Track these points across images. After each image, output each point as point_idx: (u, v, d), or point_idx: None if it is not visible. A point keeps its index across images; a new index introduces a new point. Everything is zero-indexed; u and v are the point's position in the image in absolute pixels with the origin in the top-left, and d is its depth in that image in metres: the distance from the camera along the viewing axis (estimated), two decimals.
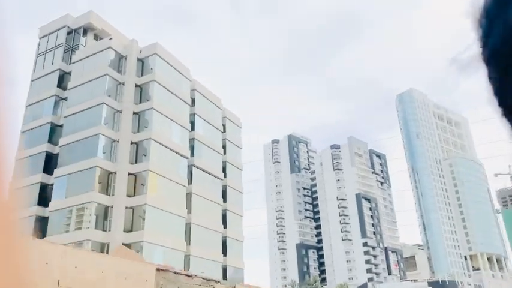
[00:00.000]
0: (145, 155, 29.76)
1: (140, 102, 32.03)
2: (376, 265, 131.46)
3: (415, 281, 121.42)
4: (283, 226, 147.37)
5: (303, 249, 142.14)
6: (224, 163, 41.03)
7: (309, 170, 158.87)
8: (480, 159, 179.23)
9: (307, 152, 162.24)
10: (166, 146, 31.59)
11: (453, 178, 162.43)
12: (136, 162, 30.60)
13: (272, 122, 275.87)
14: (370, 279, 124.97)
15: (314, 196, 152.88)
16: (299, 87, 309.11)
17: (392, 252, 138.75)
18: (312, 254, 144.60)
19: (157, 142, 30.49)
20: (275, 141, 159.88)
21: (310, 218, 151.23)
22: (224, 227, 38.29)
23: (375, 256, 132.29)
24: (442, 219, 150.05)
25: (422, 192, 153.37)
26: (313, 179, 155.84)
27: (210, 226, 35.19)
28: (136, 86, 32.03)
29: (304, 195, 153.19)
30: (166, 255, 28.58)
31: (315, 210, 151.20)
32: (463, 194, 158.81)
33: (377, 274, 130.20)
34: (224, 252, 37.34)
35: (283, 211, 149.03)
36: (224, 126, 42.08)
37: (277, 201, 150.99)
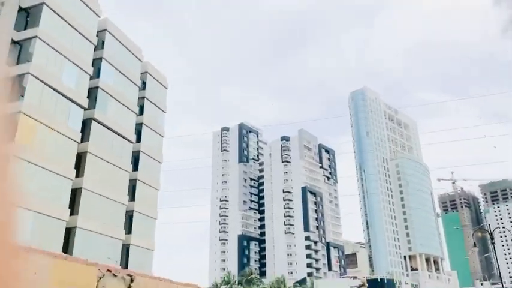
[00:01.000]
0: (22, 96, 23.09)
1: (25, 29, 25.20)
2: (317, 260, 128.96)
3: (355, 278, 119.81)
4: (227, 216, 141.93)
5: (244, 240, 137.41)
6: (140, 126, 34.72)
7: (257, 160, 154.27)
8: (426, 163, 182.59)
9: (257, 142, 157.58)
10: (52, 87, 24.95)
11: (399, 179, 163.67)
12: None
13: (226, 114, 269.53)
14: (310, 274, 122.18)
15: (260, 188, 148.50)
16: (255, 86, 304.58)
17: (334, 248, 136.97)
18: (254, 246, 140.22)
19: (38, 79, 23.83)
20: (225, 129, 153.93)
21: (255, 209, 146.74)
22: (131, 199, 32.07)
23: (316, 251, 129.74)
24: (385, 219, 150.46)
25: (367, 190, 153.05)
26: (261, 171, 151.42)
27: (109, 195, 28.90)
28: (21, 9, 25.22)
29: (251, 186, 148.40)
30: (37, 223, 22.11)
31: (261, 202, 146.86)
32: (407, 195, 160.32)
33: (317, 269, 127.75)
34: (129, 230, 31.17)
35: (227, 201, 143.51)
36: (144, 83, 35.70)
37: (222, 190, 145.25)
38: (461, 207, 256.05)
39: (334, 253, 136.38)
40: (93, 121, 28.67)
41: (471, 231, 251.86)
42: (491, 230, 29.06)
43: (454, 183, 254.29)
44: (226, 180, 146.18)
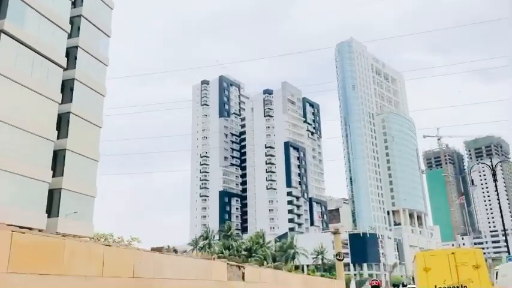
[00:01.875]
0: None
1: None
2: (299, 215, 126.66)
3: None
4: (207, 173, 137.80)
5: (226, 196, 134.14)
6: (74, 50, 28.76)
7: (239, 115, 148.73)
8: (412, 118, 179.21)
9: (239, 96, 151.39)
10: None
11: (384, 134, 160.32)
12: None
13: (209, 71, 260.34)
14: (292, 229, 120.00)
15: (242, 144, 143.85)
16: (242, 41, 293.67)
17: (317, 203, 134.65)
18: (235, 203, 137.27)
19: None
20: (205, 82, 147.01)
21: (237, 165, 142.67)
22: (63, 136, 26.63)
23: (298, 206, 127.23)
24: (370, 174, 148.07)
25: (352, 145, 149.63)
26: (243, 126, 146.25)
27: (28, 127, 23.49)
28: None
29: (232, 142, 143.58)
30: None
31: (243, 158, 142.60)
32: (391, 150, 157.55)
33: (299, 224, 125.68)
34: (59, 171, 26.00)
35: (208, 157, 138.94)
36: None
37: (202, 146, 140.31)
38: (446, 163, 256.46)
39: (316, 208, 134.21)
40: (2, 34, 22.73)
41: (454, 187, 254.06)
42: (494, 166, 24.45)
43: (439, 139, 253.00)
44: (206, 135, 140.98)
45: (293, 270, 75.86)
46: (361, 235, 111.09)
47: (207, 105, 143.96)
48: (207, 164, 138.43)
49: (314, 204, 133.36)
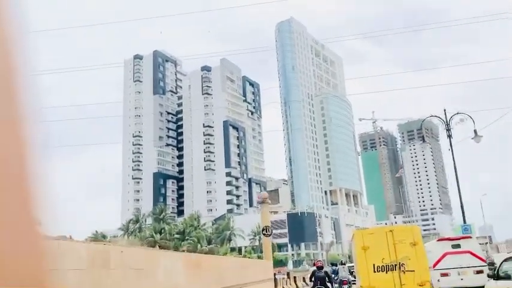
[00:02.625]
0: None
1: None
2: (238, 196, 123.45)
3: (275, 212, 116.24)
4: (140, 153, 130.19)
5: (161, 178, 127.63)
6: None
7: (176, 93, 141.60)
8: (349, 100, 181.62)
9: (176, 73, 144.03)
10: None
11: (322, 115, 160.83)
12: None
13: (144, 47, 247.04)
14: (230, 211, 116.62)
15: (179, 123, 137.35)
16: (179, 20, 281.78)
17: (257, 184, 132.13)
18: (171, 185, 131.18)
19: None
20: (138, 57, 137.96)
21: (173, 146, 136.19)
22: None
23: (237, 187, 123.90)
24: (308, 154, 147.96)
25: (291, 126, 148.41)
26: (180, 105, 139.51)
27: None
28: None
29: (168, 121, 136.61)
30: None
31: (179, 138, 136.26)
32: (329, 131, 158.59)
33: (238, 206, 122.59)
34: None
35: (141, 137, 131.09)
36: None
37: (135, 125, 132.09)
38: (380, 145, 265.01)
39: (256, 189, 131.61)
40: None
41: (388, 169, 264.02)
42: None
43: (374, 122, 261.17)
44: (139, 113, 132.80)
45: (229, 252, 72.34)
46: (299, 214, 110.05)
47: (140, 81, 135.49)
48: (140, 145, 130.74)
49: (254, 185, 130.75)
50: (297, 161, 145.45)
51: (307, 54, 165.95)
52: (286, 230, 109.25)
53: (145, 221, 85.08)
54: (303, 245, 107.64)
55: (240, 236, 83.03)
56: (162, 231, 76.40)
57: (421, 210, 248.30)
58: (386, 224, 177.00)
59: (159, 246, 71.03)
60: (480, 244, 20.38)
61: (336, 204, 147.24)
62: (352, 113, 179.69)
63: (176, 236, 74.64)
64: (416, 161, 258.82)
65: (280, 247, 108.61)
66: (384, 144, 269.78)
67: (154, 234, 72.46)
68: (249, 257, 63.03)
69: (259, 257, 76.11)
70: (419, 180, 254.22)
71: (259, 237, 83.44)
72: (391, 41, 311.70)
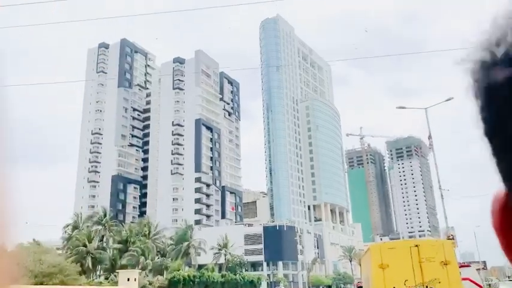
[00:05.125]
0: None
1: None
2: (208, 206, 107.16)
3: (250, 225, 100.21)
4: (99, 153, 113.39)
5: (120, 182, 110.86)
6: None
7: (145, 88, 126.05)
8: (337, 109, 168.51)
9: (146, 67, 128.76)
10: None
11: (308, 122, 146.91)
12: None
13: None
14: (198, 222, 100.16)
15: (147, 123, 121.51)
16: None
17: (231, 193, 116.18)
18: (133, 190, 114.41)
19: None
20: (103, 46, 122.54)
21: (138, 147, 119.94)
22: None
23: (208, 195, 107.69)
24: (291, 164, 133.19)
25: (273, 132, 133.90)
26: (148, 102, 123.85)
27: None
28: None
29: (134, 118, 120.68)
30: None
31: (146, 140, 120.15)
32: (315, 140, 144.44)
33: (208, 216, 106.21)
34: None
35: (101, 134, 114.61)
36: None
37: (95, 121, 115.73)
38: (367, 163, 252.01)
39: (230, 199, 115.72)
40: None
41: (375, 187, 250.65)
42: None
43: (362, 138, 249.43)
44: (101, 108, 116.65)
45: (182, 268, 56.00)
46: (278, 228, 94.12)
47: (105, 72, 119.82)
48: (100, 143, 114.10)
49: (227, 194, 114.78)
50: (277, 171, 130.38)
51: (294, 56, 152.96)
52: (262, 246, 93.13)
53: (88, 227, 68.17)
54: (280, 263, 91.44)
55: (202, 250, 66.74)
56: (102, 238, 60.25)
57: (408, 233, 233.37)
58: None
59: (91, 258, 54.58)
60: (477, 270, 19.82)
61: (320, 220, 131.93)
62: (340, 122, 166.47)
63: (117, 246, 58.13)
64: (405, 179, 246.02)
65: (254, 266, 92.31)
66: (371, 162, 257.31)
67: (87, 243, 55.79)
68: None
69: (223, 276, 59.88)
70: (407, 200, 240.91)
71: (225, 252, 67.31)
72: (373, 66, 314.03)
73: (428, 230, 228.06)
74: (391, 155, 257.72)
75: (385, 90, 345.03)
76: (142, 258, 52.88)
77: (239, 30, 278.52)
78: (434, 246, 12.24)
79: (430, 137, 24.71)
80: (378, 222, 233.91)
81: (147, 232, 62.61)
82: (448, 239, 23.90)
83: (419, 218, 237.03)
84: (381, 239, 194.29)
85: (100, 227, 62.19)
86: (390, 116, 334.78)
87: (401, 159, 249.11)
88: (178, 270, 54.36)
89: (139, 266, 53.50)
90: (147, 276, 54.92)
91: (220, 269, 68.30)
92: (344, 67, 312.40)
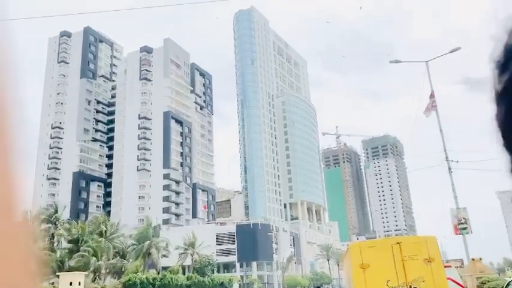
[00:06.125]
0: None
1: None
2: (177, 204, 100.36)
3: (223, 224, 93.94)
4: (60, 149, 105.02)
5: (82, 180, 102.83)
6: None
7: (110, 80, 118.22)
8: (313, 104, 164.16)
9: (112, 57, 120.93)
10: None
11: (284, 118, 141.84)
12: None
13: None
14: (166, 221, 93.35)
15: (113, 118, 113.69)
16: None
17: (203, 191, 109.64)
18: (97, 188, 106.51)
19: None
20: (65, 34, 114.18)
21: (103, 142, 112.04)
22: None
23: (178, 193, 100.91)
24: (267, 161, 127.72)
25: (248, 127, 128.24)
26: (114, 96, 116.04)
27: None
28: None
29: (98, 111, 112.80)
30: None
31: (112, 135, 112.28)
32: (291, 136, 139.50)
33: (177, 215, 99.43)
34: None
35: (62, 128, 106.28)
36: None
37: (55, 114, 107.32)
38: (343, 162, 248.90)
39: (202, 197, 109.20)
40: None
41: (351, 187, 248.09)
42: None
43: (338, 137, 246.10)
44: (62, 101, 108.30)
45: (140, 270, 49.37)
46: (252, 226, 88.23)
47: (66, 63, 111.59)
48: (61, 138, 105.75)
49: (199, 191, 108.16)
50: (252, 168, 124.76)
51: (269, 49, 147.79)
52: (235, 246, 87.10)
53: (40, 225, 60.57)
54: (254, 264, 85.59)
55: (166, 250, 60.10)
56: (52, 237, 53.27)
57: (385, 232, 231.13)
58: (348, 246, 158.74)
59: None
60: (456, 267, 19.17)
61: (297, 219, 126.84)
62: (317, 118, 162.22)
63: (67, 245, 51.14)
64: (381, 178, 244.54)
65: (226, 267, 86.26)
66: (347, 161, 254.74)
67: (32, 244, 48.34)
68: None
69: (188, 278, 53.59)
70: (384, 200, 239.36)
71: (192, 251, 60.86)
72: (348, 70, 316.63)
73: (404, 229, 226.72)
74: (367, 154, 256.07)
75: (359, 91, 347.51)
76: (93, 259, 46.00)
77: (214, 27, 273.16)
78: (416, 243, 11.79)
79: (432, 96, 19.38)
80: (355, 221, 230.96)
81: (104, 231, 55.72)
82: (460, 223, 18.79)
83: (395, 217, 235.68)
84: (357, 239, 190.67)
85: (50, 226, 55.13)
86: (366, 116, 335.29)
87: (377, 158, 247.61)
88: (136, 272, 47.77)
89: (91, 268, 46.77)
90: (100, 279, 48.16)
91: (186, 271, 62.02)
92: (318, 69, 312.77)
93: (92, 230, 55.61)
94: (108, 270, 50.48)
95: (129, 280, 43.37)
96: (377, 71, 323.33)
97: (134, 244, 60.14)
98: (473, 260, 18.40)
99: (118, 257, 56.71)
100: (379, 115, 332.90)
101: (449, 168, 19.55)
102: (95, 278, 47.02)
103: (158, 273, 52.11)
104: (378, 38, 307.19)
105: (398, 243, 11.34)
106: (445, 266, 14.89)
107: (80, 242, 51.04)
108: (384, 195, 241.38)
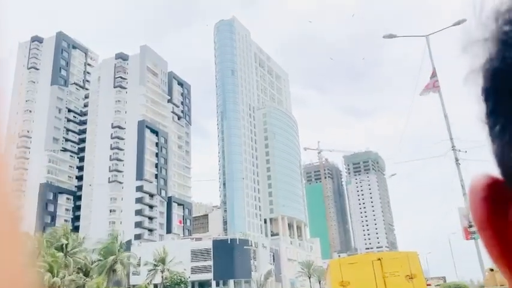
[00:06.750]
0: None
1: None
2: (151, 218, 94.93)
3: (199, 239, 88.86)
4: (26, 159, 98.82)
5: (50, 192, 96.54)
6: None
7: (83, 88, 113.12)
8: (295, 118, 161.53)
9: (86, 65, 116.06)
10: None
11: (265, 130, 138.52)
12: None
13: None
14: (138, 236, 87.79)
15: (85, 128, 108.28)
16: None
17: (179, 205, 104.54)
18: (66, 202, 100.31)
19: None
20: (36, 40, 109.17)
21: (73, 152, 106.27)
22: None
23: (151, 206, 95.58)
24: (247, 173, 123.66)
25: (228, 139, 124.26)
26: (87, 105, 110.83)
27: None
28: None
29: (69, 120, 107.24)
30: None
31: (84, 146, 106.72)
32: (272, 149, 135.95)
33: (150, 230, 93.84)
34: None
35: (30, 138, 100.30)
36: None
37: (23, 122, 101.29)
38: (325, 178, 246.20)
39: (177, 211, 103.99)
40: None
41: (333, 203, 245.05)
42: None
43: (319, 153, 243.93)
44: (30, 108, 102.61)
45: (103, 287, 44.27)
46: (229, 242, 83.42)
47: (37, 69, 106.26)
48: (28, 147, 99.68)
49: (175, 205, 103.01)
50: (231, 181, 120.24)
51: (251, 60, 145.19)
52: (211, 263, 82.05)
53: None
54: (232, 282, 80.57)
55: (135, 267, 54.98)
56: None
57: (366, 249, 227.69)
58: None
59: None
60: (437, 286, 20.83)
61: (277, 235, 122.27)
62: (298, 132, 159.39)
63: None
64: (362, 195, 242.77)
65: (202, 285, 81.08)
66: (328, 177, 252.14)
67: None
68: None
69: None
70: (365, 216, 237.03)
71: (163, 269, 55.76)
72: (330, 88, 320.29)
73: (386, 246, 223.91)
74: (349, 169, 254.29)
75: (340, 109, 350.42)
76: (48, 276, 40.72)
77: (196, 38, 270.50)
78: (398, 259, 11.49)
79: (434, 75, 15.93)
80: (336, 238, 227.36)
81: (65, 244, 50.45)
82: (471, 225, 15.15)
83: (377, 233, 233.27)
84: (339, 256, 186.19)
85: None
86: (347, 133, 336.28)
87: (359, 174, 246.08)
88: None
89: (46, 285, 41.46)
90: None
91: None
92: (300, 88, 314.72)
93: (51, 244, 50.29)
94: None
95: None
96: (358, 89, 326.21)
97: (100, 260, 54.86)
98: (491, 270, 14.70)
99: (80, 274, 51.49)
100: (360, 132, 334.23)
101: (457, 160, 16.01)
102: None
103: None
104: (360, 55, 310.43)
105: (379, 259, 11.10)
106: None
107: (37, 256, 45.61)
108: (365, 212, 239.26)
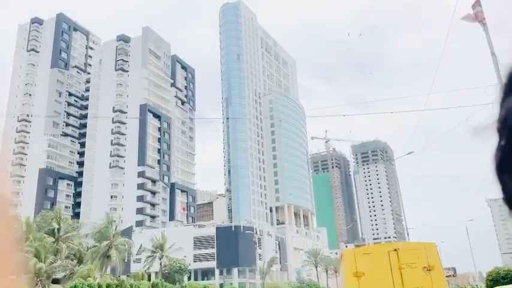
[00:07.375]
0: None
1: None
2: (153, 205, 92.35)
3: (202, 226, 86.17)
4: (26, 144, 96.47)
5: (50, 177, 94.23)
6: None
7: (84, 71, 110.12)
8: (302, 104, 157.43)
9: (87, 48, 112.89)
10: None
11: (271, 117, 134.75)
12: None
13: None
14: (140, 223, 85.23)
15: (86, 112, 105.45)
16: None
17: (182, 191, 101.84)
18: (66, 187, 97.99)
19: None
20: (36, 21, 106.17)
21: (75, 137, 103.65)
22: None
23: (154, 193, 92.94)
24: (252, 161, 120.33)
25: (233, 126, 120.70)
26: (88, 89, 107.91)
27: None
28: None
29: (70, 104, 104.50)
30: None
31: (85, 130, 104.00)
32: (279, 137, 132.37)
33: (153, 217, 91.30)
34: None
35: (30, 122, 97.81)
36: None
37: (22, 106, 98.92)
38: (332, 167, 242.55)
39: (181, 198, 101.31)
40: None
41: (340, 193, 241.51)
42: None
43: (327, 142, 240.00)
44: (30, 92, 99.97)
45: (93, 274, 41.37)
46: (233, 229, 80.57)
47: (37, 51, 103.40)
48: (28, 132, 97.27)
49: (178, 192, 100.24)
50: (237, 168, 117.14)
51: (257, 45, 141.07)
52: (214, 251, 79.34)
53: None
54: (236, 271, 77.78)
55: (131, 254, 52.13)
56: None
57: (374, 239, 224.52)
58: (336, 253, 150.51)
59: None
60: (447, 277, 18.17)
61: (283, 223, 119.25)
62: (305, 119, 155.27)
63: None
64: (370, 184, 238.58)
65: (205, 274, 78.44)
66: (336, 166, 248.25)
67: None
68: None
69: (154, 286, 45.64)
70: (373, 206, 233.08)
71: (162, 256, 52.89)
72: (338, 79, 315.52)
73: (394, 237, 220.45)
74: (357, 159, 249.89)
75: (347, 99, 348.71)
76: (34, 261, 37.92)
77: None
78: (415, 249, 11.09)
79: (477, 2, 12.31)
80: (343, 228, 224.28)
81: (57, 229, 47.67)
82: None
83: (385, 223, 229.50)
84: (346, 246, 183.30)
85: None
86: (355, 124, 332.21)
87: (367, 164, 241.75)
88: (87, 277, 39.72)
89: (33, 271, 38.76)
90: (45, 286, 40.11)
91: (153, 277, 54.04)
92: (307, 78, 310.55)
93: (41, 228, 47.59)
94: (55, 275, 42.42)
95: (75, 286, 35.41)
96: (367, 80, 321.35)
97: (96, 245, 52.11)
98: None
99: (75, 260, 48.84)
100: (368, 123, 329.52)
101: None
102: (37, 283, 38.95)
103: (118, 278, 44.06)
104: (367, 45, 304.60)
105: (395, 250, 10.74)
106: None
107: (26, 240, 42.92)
108: (373, 202, 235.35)
